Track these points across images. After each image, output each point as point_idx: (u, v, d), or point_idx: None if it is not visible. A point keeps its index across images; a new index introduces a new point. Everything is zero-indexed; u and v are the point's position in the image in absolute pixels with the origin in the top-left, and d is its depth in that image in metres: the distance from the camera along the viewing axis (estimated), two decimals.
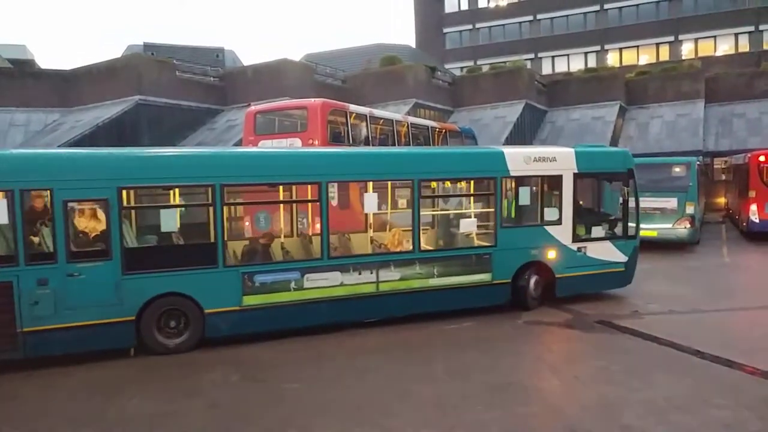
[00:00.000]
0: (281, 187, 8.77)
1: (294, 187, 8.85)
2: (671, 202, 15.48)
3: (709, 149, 27.90)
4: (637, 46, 43.00)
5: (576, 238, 9.56)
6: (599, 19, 43.95)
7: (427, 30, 49.05)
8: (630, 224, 10.02)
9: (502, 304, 9.20)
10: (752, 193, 16.82)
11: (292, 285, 7.95)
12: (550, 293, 9.51)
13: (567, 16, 44.87)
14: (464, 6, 48.38)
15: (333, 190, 8.80)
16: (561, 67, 44.27)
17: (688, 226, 15.50)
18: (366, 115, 13.81)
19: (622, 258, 9.92)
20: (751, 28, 40.09)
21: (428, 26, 49.02)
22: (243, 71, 27.24)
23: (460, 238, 9.51)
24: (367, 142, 13.49)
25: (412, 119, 17.29)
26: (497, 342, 7.92)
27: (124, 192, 7.22)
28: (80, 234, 7.31)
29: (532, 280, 9.32)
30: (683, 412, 5.43)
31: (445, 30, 48.54)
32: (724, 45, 41.24)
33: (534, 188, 9.47)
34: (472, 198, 9.76)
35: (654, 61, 41.26)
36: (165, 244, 7.87)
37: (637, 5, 42.88)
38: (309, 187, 8.48)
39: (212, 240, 7.61)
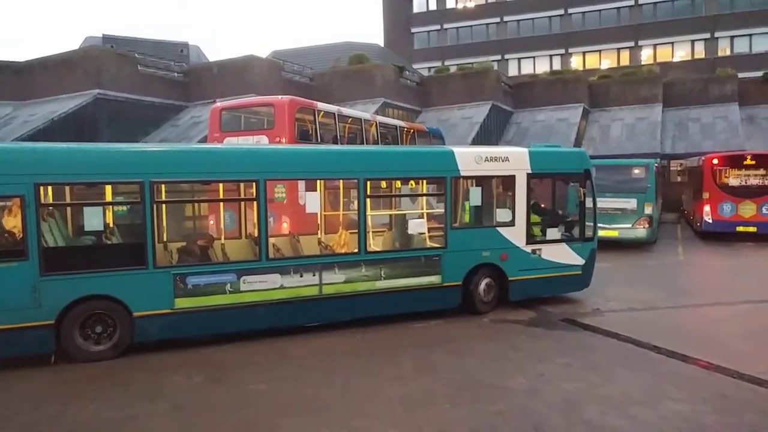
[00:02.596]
0: (217, 185, 8.38)
1: (231, 185, 8.38)
2: (631, 203, 15.95)
3: (666, 152, 28.89)
4: (600, 51, 44.17)
5: (530, 240, 9.38)
6: (564, 23, 44.95)
7: (396, 29, 49.18)
8: (588, 224, 9.88)
9: (452, 308, 9.04)
10: (706, 195, 17.51)
11: (228, 287, 7.59)
12: (504, 296, 9.38)
13: (533, 19, 45.72)
14: (432, 6, 48.71)
15: (278, 189, 8.48)
16: (527, 69, 45.07)
17: (647, 226, 16.01)
18: (334, 114, 13.73)
19: (579, 261, 9.77)
20: (707, 35, 41.70)
21: (396, 26, 49.15)
22: (208, 67, 26.74)
23: (408, 239, 9.21)
24: (335, 141, 13.43)
25: (380, 118, 17.29)
26: (464, 341, 8.00)
27: (42, 188, 6.79)
28: None
29: (482, 284, 9.12)
30: (642, 406, 5.59)
31: (414, 30, 48.77)
32: (681, 51, 42.76)
33: (486, 189, 9.33)
34: (422, 198, 9.54)
35: (615, 65, 42.45)
36: (89, 243, 7.44)
37: (600, 11, 44.03)
38: (246, 185, 8.08)
39: (141, 240, 7.22)
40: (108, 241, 7.61)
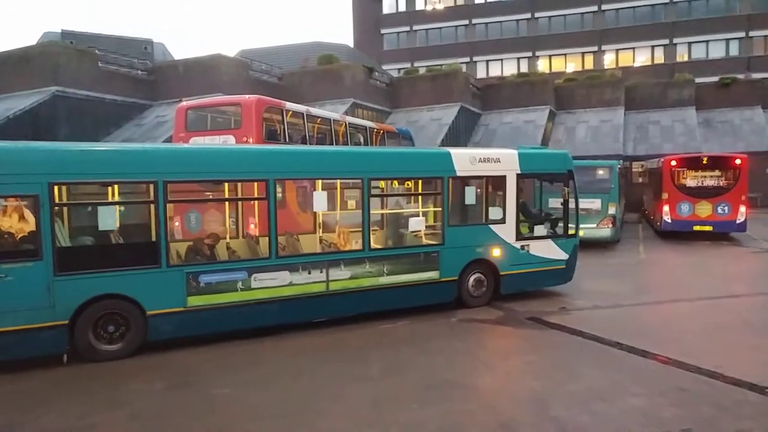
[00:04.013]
0: (227, 185, 8.46)
1: (240, 185, 8.57)
2: (595, 203, 16.31)
3: (628, 153, 29.72)
4: (565, 54, 45.18)
5: (519, 237, 9.83)
6: (531, 26, 45.79)
7: (365, 30, 49.22)
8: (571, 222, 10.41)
9: (448, 302, 9.38)
10: (665, 195, 18.06)
11: (239, 285, 7.71)
12: (496, 290, 9.74)
13: (500, 22, 46.43)
14: (402, 8, 48.95)
15: (283, 189, 8.64)
16: (495, 71, 45.73)
17: (611, 225, 16.41)
18: (303, 114, 13.63)
19: (563, 256, 10.29)
20: (666, 42, 43.11)
21: (366, 26, 49.19)
22: (174, 65, 26.21)
23: (409, 236, 9.54)
24: (304, 141, 13.32)
25: (350, 119, 17.25)
26: (432, 340, 8.03)
27: (57, 188, 6.76)
28: (6, 233, 6.69)
29: (471, 279, 9.47)
30: (605, 402, 5.72)
31: (383, 31, 48.90)
32: (641, 56, 44.09)
33: (479, 188, 9.68)
34: (420, 197, 9.94)
35: (580, 68, 43.49)
36: (103, 243, 7.42)
37: (565, 16, 45.05)
38: (256, 184, 8.19)
39: (155, 239, 7.26)
40: (121, 240, 7.61)
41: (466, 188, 9.54)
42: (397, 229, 9.80)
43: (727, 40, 42.16)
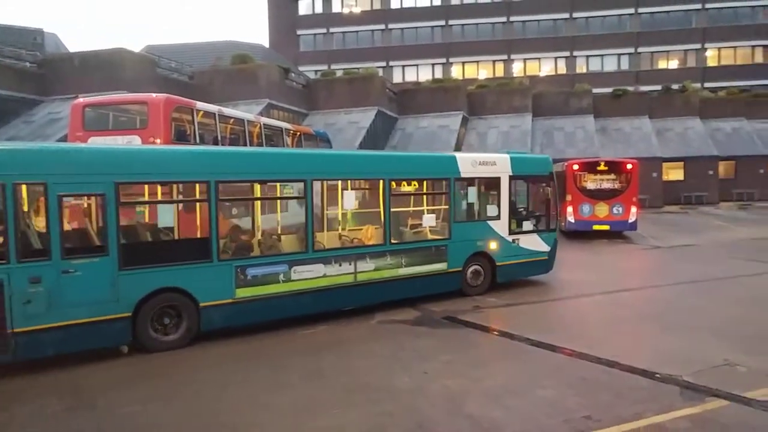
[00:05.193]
0: (272, 185, 9.33)
1: (283, 185, 9.43)
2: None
3: None
4: (477, 62, 47.07)
5: (511, 231, 11.05)
6: (445, 33, 47.25)
7: (281, 31, 48.44)
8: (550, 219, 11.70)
9: (453, 291, 10.40)
10: (569, 197, 19.31)
11: (281, 277, 8.33)
12: (493, 280, 10.87)
13: (416, 28, 47.49)
14: (318, 9, 48.70)
15: (321, 189, 9.37)
16: (410, 76, 46.69)
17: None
18: (215, 114, 13.13)
19: (546, 248, 11.65)
20: (567, 54, 46.21)
21: (282, 27, 48.43)
22: (68, 58, 24.18)
23: (422, 231, 10.47)
24: (215, 142, 12.84)
25: (265, 120, 16.87)
26: (352, 344, 8.03)
27: (121, 187, 7.12)
28: (75, 230, 7.13)
29: (470, 270, 10.53)
30: (517, 396, 5.99)
31: (299, 32, 48.38)
32: (546, 66, 46.93)
33: (479, 188, 10.85)
34: (432, 196, 10.77)
35: (491, 76, 45.47)
36: (162, 239, 7.99)
37: (477, 24, 46.96)
38: (295, 184, 8.97)
39: (207, 234, 7.78)
40: (178, 236, 8.19)
41: (469, 188, 10.71)
42: (411, 225, 10.71)
43: (619, 55, 45.99)
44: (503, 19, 46.41)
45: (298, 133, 18.16)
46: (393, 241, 9.65)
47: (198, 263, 7.68)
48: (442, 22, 46.95)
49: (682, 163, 33.71)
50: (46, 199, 6.60)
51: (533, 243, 11.46)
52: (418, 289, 9.87)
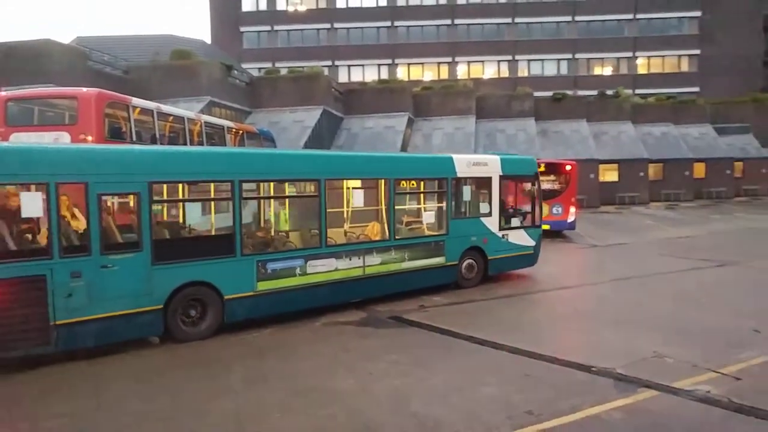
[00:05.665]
0: (290, 184, 9.82)
1: (299, 184, 9.92)
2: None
3: None
4: (423, 63, 47.60)
5: (501, 228, 11.86)
6: (391, 34, 47.48)
7: (224, 27, 47.24)
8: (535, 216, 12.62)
9: (449, 283, 11.15)
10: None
11: (297, 271, 8.88)
12: (485, 273, 11.66)
13: (362, 28, 47.48)
14: (263, 6, 47.82)
15: (332, 187, 9.72)
16: (356, 76, 46.64)
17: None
18: (153, 111, 12.58)
19: (531, 243, 12.55)
20: (510, 57, 47.52)
21: (225, 23, 47.23)
22: None
23: (423, 228, 11.08)
24: (154, 140, 12.31)
25: (206, 118, 16.34)
26: (296, 346, 7.89)
27: (155, 186, 7.58)
28: (112, 227, 7.47)
29: (465, 263, 11.27)
30: (461, 394, 6.06)
31: (243, 29, 47.33)
32: (489, 69, 48.08)
33: (473, 187, 11.50)
34: (431, 195, 11.37)
35: (436, 78, 46.12)
36: (190, 235, 8.53)
37: (422, 27, 47.48)
38: (310, 184, 9.42)
39: (231, 231, 8.23)
40: (205, 232, 8.81)
41: (464, 187, 11.32)
42: (412, 222, 11.29)
43: (558, 60, 47.76)
44: (448, 21, 47.17)
45: (241, 132, 17.73)
46: (397, 237, 10.24)
47: (223, 258, 8.13)
48: (388, 23, 47.17)
49: (617, 165, 35.36)
50: (87, 198, 6.97)
51: (520, 238, 12.32)
52: (419, 281, 10.55)
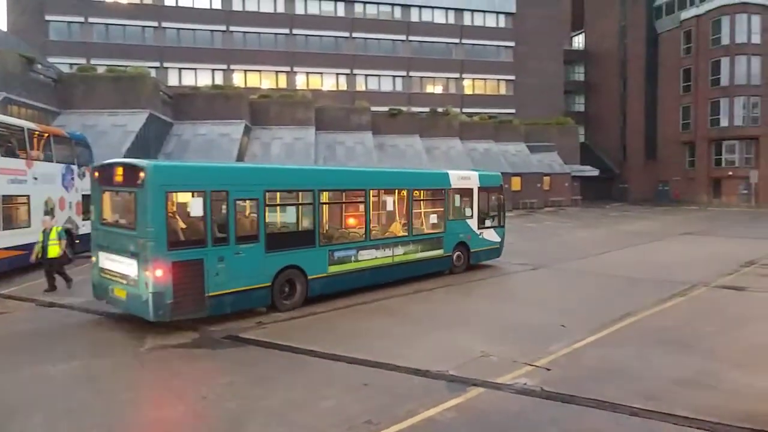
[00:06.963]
0: (349, 194, 12.23)
1: (355, 193, 12.24)
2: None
3: None
4: (260, 71, 46.44)
5: (479, 227, 15.12)
6: (225, 39, 45.50)
7: (24, 13, 40.98)
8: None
9: (444, 270, 14.20)
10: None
11: (353, 258, 11.68)
12: (468, 262, 14.83)
13: (194, 30, 44.79)
14: None
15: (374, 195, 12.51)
16: (188, 80, 43.87)
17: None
18: None
19: (498, 239, 15.93)
20: (348, 71, 48.71)
21: (25, 9, 41.01)
22: None
23: (429, 227, 13.92)
24: None
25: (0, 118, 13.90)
26: (114, 377, 6.98)
27: (268, 194, 10.17)
28: (242, 224, 9.76)
29: (455, 255, 14.40)
30: (300, 410, 5.87)
31: (48, 17, 41.54)
32: (328, 82, 48.75)
33: (461, 196, 14.73)
34: (434, 201, 14.16)
35: (274, 86, 45.36)
36: (287, 230, 10.94)
37: (259, 33, 46.34)
38: (361, 192, 12.19)
39: (312, 227, 10.90)
40: (296, 228, 10.96)
41: (455, 196, 14.54)
42: (422, 222, 13.88)
43: (394, 77, 50.27)
44: (286, 30, 46.74)
45: (46, 135, 15.43)
46: (414, 234, 13.14)
47: (307, 248, 10.75)
48: (223, 27, 45.18)
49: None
50: (227, 203, 9.33)
51: (491, 235, 15.62)
52: (427, 267, 13.57)
